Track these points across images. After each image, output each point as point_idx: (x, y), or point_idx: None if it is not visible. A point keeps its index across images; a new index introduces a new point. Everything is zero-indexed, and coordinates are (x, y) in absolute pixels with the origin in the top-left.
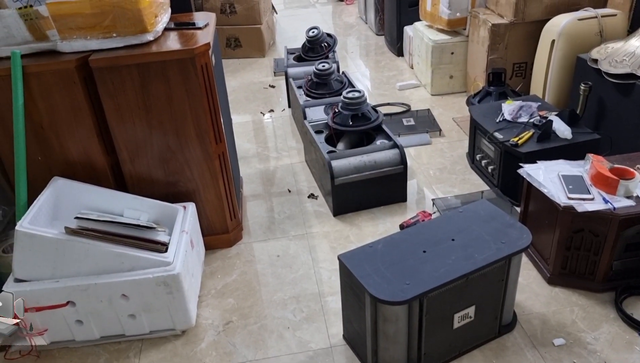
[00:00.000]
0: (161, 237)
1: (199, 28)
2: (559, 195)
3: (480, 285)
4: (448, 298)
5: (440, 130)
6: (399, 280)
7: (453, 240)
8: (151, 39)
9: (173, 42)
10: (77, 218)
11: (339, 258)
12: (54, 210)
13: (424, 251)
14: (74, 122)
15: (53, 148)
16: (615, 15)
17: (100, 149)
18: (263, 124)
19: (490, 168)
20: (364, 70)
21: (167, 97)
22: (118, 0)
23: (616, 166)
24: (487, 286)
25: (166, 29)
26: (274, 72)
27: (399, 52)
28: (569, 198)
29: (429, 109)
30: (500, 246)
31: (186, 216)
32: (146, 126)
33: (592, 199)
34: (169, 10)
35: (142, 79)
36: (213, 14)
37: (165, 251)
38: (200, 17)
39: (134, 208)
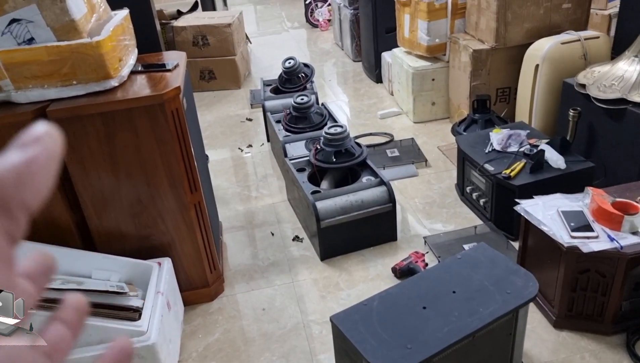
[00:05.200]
0: (133, 302)
1: (169, 70)
2: (561, 234)
3: (487, 342)
4: (453, 360)
5: (426, 160)
6: (399, 343)
7: (454, 292)
8: (115, 84)
9: (140, 87)
10: None
11: (331, 320)
12: None
13: (424, 307)
14: None
15: None
16: (598, 37)
17: (64, 205)
18: (242, 161)
19: (482, 201)
20: (343, 98)
21: (135, 147)
22: (77, 46)
23: (618, 199)
24: (494, 342)
25: (132, 72)
26: (251, 104)
27: (378, 79)
28: (572, 237)
29: (412, 138)
30: (505, 297)
31: (161, 274)
32: (113, 179)
33: (597, 237)
34: (136, 51)
35: (107, 129)
36: (184, 53)
37: (139, 317)
38: (170, 57)
39: (104, 268)
